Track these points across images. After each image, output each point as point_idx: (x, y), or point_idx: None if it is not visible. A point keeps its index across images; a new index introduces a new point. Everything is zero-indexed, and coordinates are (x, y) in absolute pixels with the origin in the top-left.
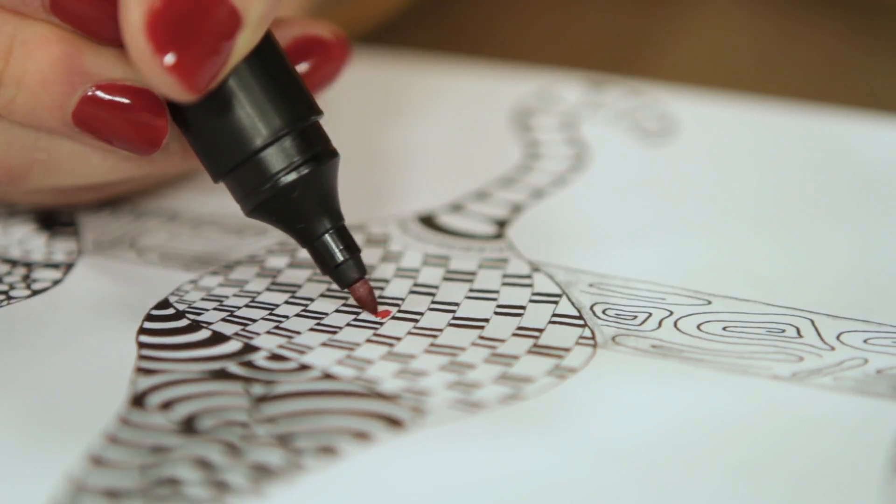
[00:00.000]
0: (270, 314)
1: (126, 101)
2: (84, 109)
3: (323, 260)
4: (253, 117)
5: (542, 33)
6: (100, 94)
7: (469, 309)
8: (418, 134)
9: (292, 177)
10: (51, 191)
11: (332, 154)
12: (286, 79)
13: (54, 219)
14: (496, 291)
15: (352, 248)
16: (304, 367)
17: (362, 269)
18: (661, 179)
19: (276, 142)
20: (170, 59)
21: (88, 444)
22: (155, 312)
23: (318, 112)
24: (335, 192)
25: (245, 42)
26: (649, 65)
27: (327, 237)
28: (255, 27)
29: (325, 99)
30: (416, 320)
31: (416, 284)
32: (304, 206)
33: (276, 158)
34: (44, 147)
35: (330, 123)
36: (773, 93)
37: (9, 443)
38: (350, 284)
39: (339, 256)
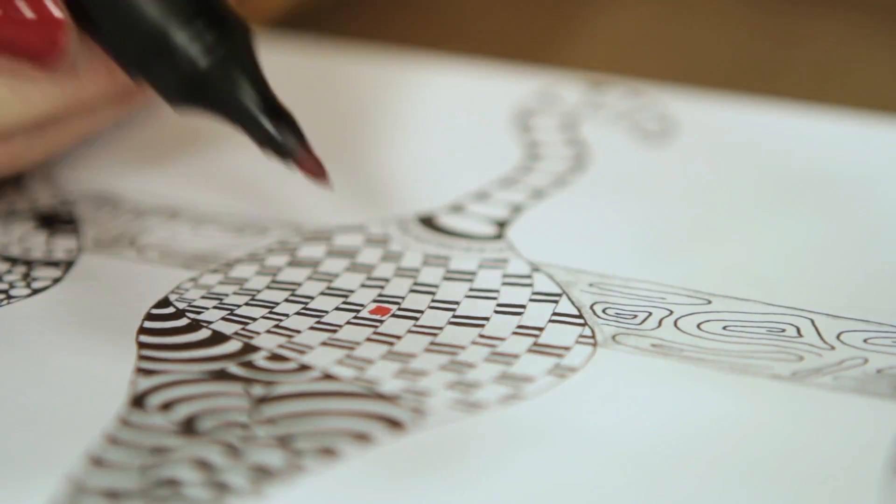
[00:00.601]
0: (270, 312)
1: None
2: None
3: (260, 137)
4: (160, 4)
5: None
6: None
7: (469, 307)
8: (418, 134)
9: (209, 59)
10: None
11: (245, 28)
12: None
13: (54, 216)
14: (496, 291)
15: (284, 118)
16: (304, 368)
17: (302, 137)
18: (662, 180)
19: (187, 26)
20: None
21: (88, 445)
22: (155, 311)
23: None
24: (258, 66)
25: None
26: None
27: (258, 112)
28: None
29: (326, 99)
30: (416, 318)
31: (416, 283)
32: (228, 86)
33: (188, 41)
34: None
35: (329, 123)
36: (773, 93)
37: (8, 443)
38: (292, 155)
39: (273, 129)
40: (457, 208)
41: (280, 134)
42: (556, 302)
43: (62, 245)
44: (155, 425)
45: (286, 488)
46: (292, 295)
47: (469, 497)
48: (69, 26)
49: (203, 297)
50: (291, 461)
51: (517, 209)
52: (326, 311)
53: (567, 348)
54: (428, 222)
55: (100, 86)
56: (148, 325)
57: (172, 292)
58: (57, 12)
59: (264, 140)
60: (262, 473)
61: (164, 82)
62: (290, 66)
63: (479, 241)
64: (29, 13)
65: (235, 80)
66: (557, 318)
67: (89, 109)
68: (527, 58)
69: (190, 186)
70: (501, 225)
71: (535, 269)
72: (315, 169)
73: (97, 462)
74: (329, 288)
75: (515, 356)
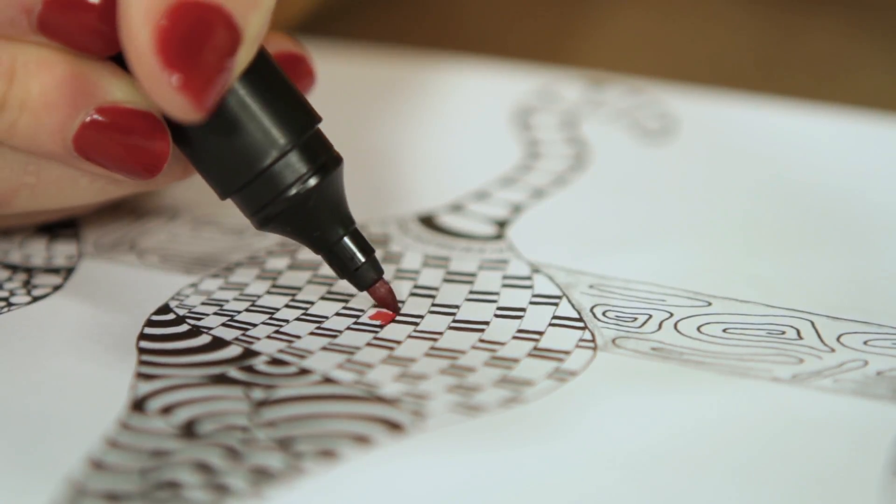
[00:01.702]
0: (270, 318)
1: (128, 125)
2: (85, 135)
3: (342, 264)
4: (259, 134)
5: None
6: (100, 118)
7: (469, 311)
8: (418, 133)
9: (302, 189)
10: (26, 214)
11: (338, 161)
12: (286, 91)
13: (53, 222)
14: (496, 293)
15: (367, 250)
16: (304, 372)
17: (380, 269)
18: (662, 178)
19: (284, 156)
20: (177, 78)
21: (89, 449)
22: (155, 318)
23: (318, 119)
24: (344, 197)
25: (244, 57)
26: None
27: (344, 242)
28: (252, 42)
29: (325, 98)
30: (416, 323)
31: (416, 286)
32: (316, 215)
33: (285, 172)
34: (33, 171)
35: (329, 123)
36: (772, 92)
37: (10, 447)
38: (370, 285)
39: (358, 260)
40: (457, 208)
41: (365, 269)
42: (556, 305)
43: (62, 251)
44: (155, 429)
45: (286, 490)
46: (292, 300)
47: (469, 499)
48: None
49: (203, 304)
50: (291, 463)
51: (517, 209)
52: (327, 317)
53: (567, 352)
54: (428, 222)
55: (172, 179)
56: (148, 331)
57: (173, 299)
58: (166, 146)
59: (346, 269)
60: (262, 475)
61: (253, 206)
62: None
63: (480, 241)
64: (140, 141)
65: (325, 211)
66: (557, 321)
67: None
68: (527, 56)
69: (191, 187)
70: (501, 225)
71: (536, 270)
72: (390, 302)
73: (98, 465)
74: (329, 292)
75: (515, 360)
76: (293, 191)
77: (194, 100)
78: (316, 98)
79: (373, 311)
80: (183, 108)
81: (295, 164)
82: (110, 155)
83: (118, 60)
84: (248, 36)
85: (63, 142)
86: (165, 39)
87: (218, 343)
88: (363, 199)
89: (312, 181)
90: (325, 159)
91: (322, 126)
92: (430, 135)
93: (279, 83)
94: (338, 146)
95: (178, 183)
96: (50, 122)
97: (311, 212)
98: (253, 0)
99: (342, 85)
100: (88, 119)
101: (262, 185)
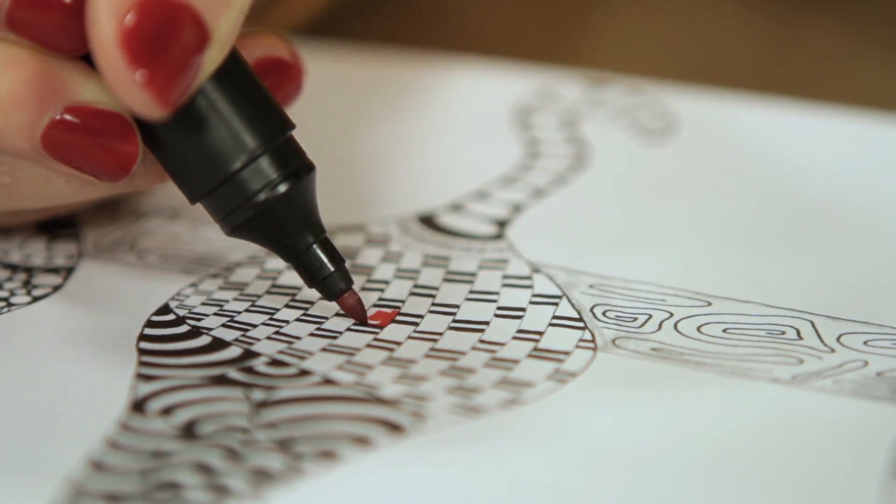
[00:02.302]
0: (271, 319)
1: (96, 125)
2: (53, 134)
3: (309, 273)
4: (228, 137)
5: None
6: (69, 117)
7: (469, 311)
8: (418, 133)
9: (272, 195)
10: (5, 213)
11: (309, 168)
12: (258, 96)
13: (54, 220)
14: (496, 293)
15: (337, 260)
16: (304, 373)
17: (348, 280)
18: (662, 178)
19: (253, 161)
20: (141, 74)
21: (89, 449)
22: (155, 318)
23: (291, 126)
24: (315, 205)
25: (213, 58)
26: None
27: (313, 250)
28: (222, 43)
29: (326, 98)
30: (416, 324)
31: (416, 286)
32: (286, 222)
33: (255, 178)
34: (7, 171)
35: (330, 123)
36: (773, 91)
37: (10, 447)
38: (338, 296)
39: (326, 269)
40: (457, 207)
41: (333, 279)
42: (556, 304)
43: (62, 250)
44: (155, 430)
45: (286, 491)
46: (292, 300)
47: (469, 500)
48: (140, 154)
49: (203, 304)
50: (291, 464)
51: (517, 208)
52: (327, 318)
53: (567, 353)
54: (428, 222)
55: (149, 183)
56: (148, 331)
57: (173, 299)
58: (134, 147)
59: (315, 278)
60: (263, 477)
61: (222, 211)
62: None
63: (480, 240)
64: (109, 142)
65: (295, 218)
66: (557, 321)
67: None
68: (527, 55)
69: None
70: (502, 224)
71: (536, 270)
72: (358, 313)
73: (98, 466)
74: None
75: (515, 361)
76: (262, 196)
77: (158, 97)
78: (317, 98)
79: (373, 311)
80: (147, 105)
81: (265, 169)
82: (79, 154)
83: (89, 60)
84: (218, 36)
85: (31, 140)
86: (131, 35)
87: (218, 344)
88: (363, 199)
89: (282, 187)
90: (296, 166)
91: (324, 126)
92: (430, 135)
93: (251, 87)
94: (338, 146)
95: (159, 186)
96: (18, 119)
97: (281, 219)
98: (224, 0)
99: (344, 85)
100: (57, 118)
101: (230, 189)
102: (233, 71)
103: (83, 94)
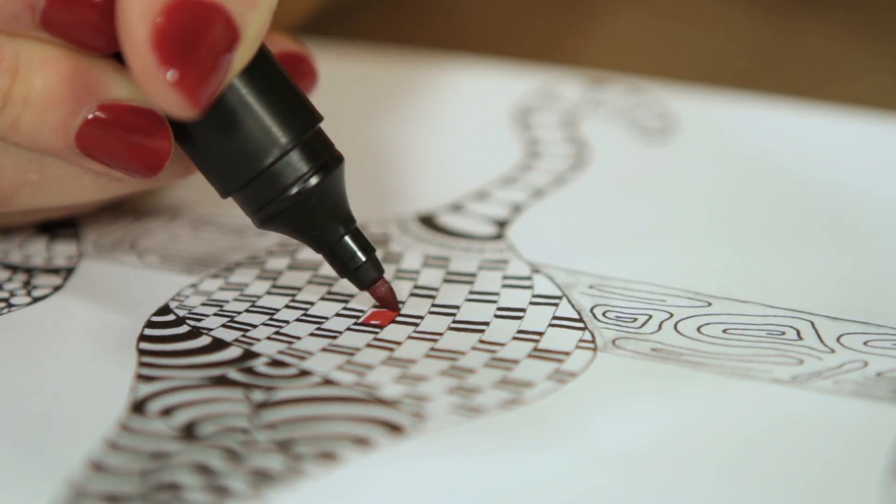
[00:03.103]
0: (271, 319)
1: (130, 122)
2: (87, 131)
3: (342, 263)
4: (261, 132)
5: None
6: (102, 115)
7: (469, 312)
8: (418, 133)
9: (305, 188)
10: (29, 211)
11: (339, 160)
12: (287, 91)
13: (54, 220)
14: (496, 293)
15: (368, 249)
16: (304, 373)
17: (380, 269)
18: (662, 178)
19: (285, 155)
20: (172, 74)
21: (89, 450)
22: (155, 319)
23: (320, 118)
24: (345, 196)
25: (243, 56)
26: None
27: (345, 241)
28: (251, 41)
29: (327, 98)
30: (416, 324)
31: (416, 287)
32: (317, 214)
33: (287, 171)
34: (36, 168)
35: (330, 123)
36: (773, 91)
37: (10, 448)
38: (371, 284)
39: (359, 259)
40: (457, 207)
41: (366, 268)
42: (556, 305)
43: (62, 251)
44: (155, 431)
45: (286, 492)
46: (293, 300)
47: (469, 501)
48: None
49: (203, 304)
50: (291, 465)
51: (517, 208)
52: (327, 318)
53: (567, 353)
54: (428, 222)
55: (174, 178)
56: (148, 332)
57: (173, 299)
58: (167, 144)
59: (347, 267)
60: (262, 477)
61: (254, 205)
62: None
63: (480, 241)
64: (142, 139)
65: (327, 210)
66: (557, 321)
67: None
68: (527, 56)
69: (191, 187)
70: (501, 225)
71: (536, 270)
72: (390, 301)
73: (98, 467)
74: (329, 293)
75: (515, 361)
76: (294, 190)
77: (189, 96)
78: (318, 98)
79: (370, 313)
80: (177, 105)
81: (296, 163)
82: (112, 152)
83: (121, 58)
84: (248, 35)
85: (65, 139)
86: (162, 36)
87: (218, 344)
88: (364, 199)
89: (314, 180)
90: (326, 158)
91: (324, 126)
92: (430, 135)
93: (281, 82)
94: (339, 146)
95: (181, 181)
96: (53, 118)
97: (312, 211)
98: (252, 0)
99: (343, 85)
100: (91, 116)
101: (263, 183)
102: (262, 67)
103: (116, 91)
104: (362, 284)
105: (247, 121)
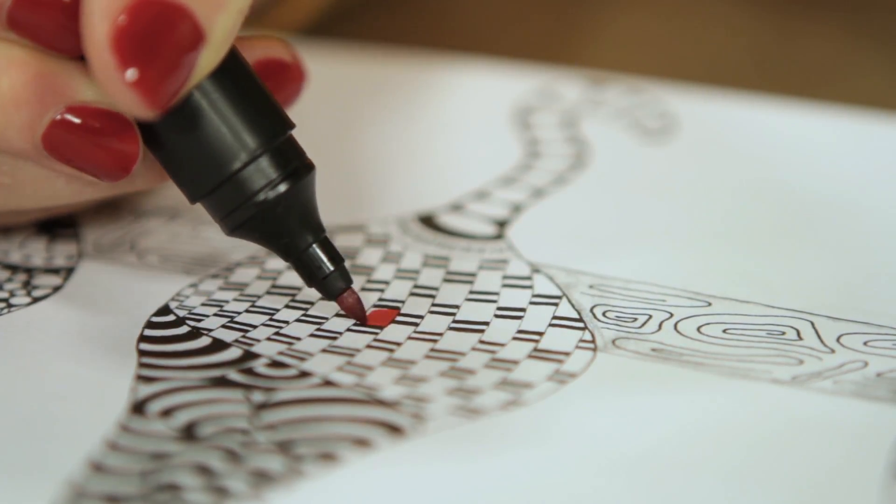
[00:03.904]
0: (271, 319)
1: (97, 125)
2: (54, 133)
3: (309, 272)
4: (229, 137)
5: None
6: (70, 117)
7: (469, 312)
8: (418, 133)
9: (272, 195)
10: (6, 212)
11: (309, 168)
12: (258, 96)
13: (54, 221)
14: (496, 293)
15: (336, 259)
16: (304, 374)
17: (348, 279)
18: (662, 178)
19: (253, 161)
20: (131, 74)
21: (89, 451)
22: (155, 319)
23: (291, 126)
24: (314, 205)
25: (209, 58)
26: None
27: (312, 250)
28: (218, 44)
29: (326, 98)
30: (416, 324)
31: (416, 286)
32: (286, 221)
33: (255, 178)
34: (7, 171)
35: (330, 123)
36: (773, 91)
37: (10, 448)
38: (337, 295)
39: (326, 268)
40: (457, 207)
41: (333, 279)
42: (556, 305)
43: (62, 251)
44: (155, 431)
45: (286, 493)
46: (292, 300)
47: (469, 502)
48: (140, 154)
49: (203, 304)
50: (291, 466)
51: (517, 208)
52: (327, 318)
53: (567, 353)
54: (428, 222)
55: (150, 183)
56: (148, 332)
57: (173, 299)
58: (135, 147)
59: (315, 277)
60: (262, 478)
61: (222, 211)
62: None
63: (480, 241)
64: (110, 141)
65: (295, 218)
66: (557, 321)
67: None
68: (527, 55)
69: None
70: (501, 224)
71: (536, 270)
72: (357, 312)
73: (98, 468)
74: None
75: (515, 362)
76: (262, 196)
77: (148, 96)
78: (317, 98)
79: (370, 310)
80: (136, 105)
81: (265, 168)
82: (80, 154)
83: None
84: (214, 37)
85: (32, 140)
86: (122, 35)
87: (218, 345)
88: (364, 199)
89: (282, 187)
90: (296, 165)
91: (323, 126)
92: (430, 135)
93: (252, 87)
94: (339, 146)
95: (160, 186)
96: (19, 119)
97: (280, 219)
98: (219, 1)
99: (344, 85)
100: (58, 118)
101: (230, 189)
102: (232, 71)
103: (84, 93)
104: (329, 295)
105: (214, 125)
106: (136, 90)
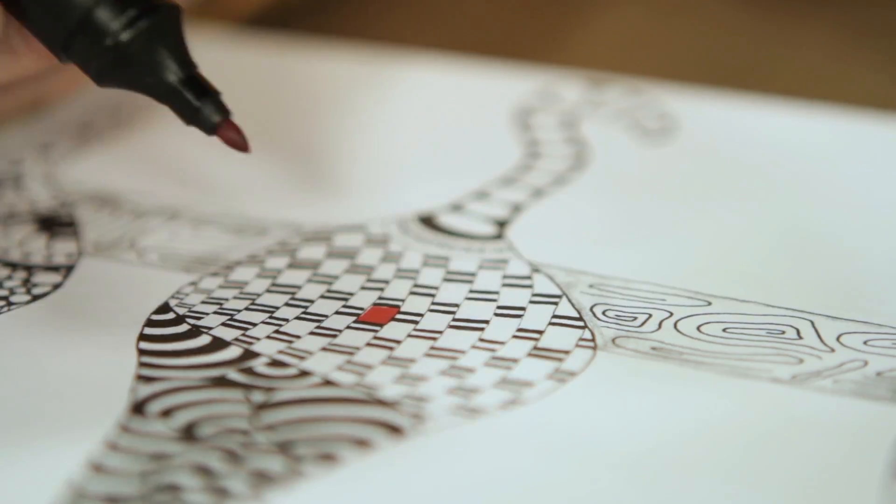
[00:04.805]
0: (270, 317)
1: None
2: None
3: (183, 110)
4: None
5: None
6: None
7: (469, 310)
8: (418, 133)
9: (126, 36)
10: None
11: (171, 8)
12: None
13: (54, 219)
14: (496, 292)
15: (207, 93)
16: (304, 374)
17: (224, 110)
18: (662, 178)
19: (101, 3)
20: None
21: (89, 452)
22: (155, 317)
23: None
24: (182, 42)
25: None
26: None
27: (179, 86)
28: None
29: (326, 98)
30: (416, 322)
31: (416, 285)
32: (147, 61)
33: (108, 22)
34: None
35: (329, 123)
36: (772, 91)
37: (10, 449)
38: (215, 129)
39: (195, 102)
40: (457, 207)
41: (202, 108)
42: (556, 304)
43: (62, 249)
44: (155, 432)
45: (286, 493)
46: (292, 298)
47: (469, 501)
48: (4, 19)
49: (203, 302)
50: (291, 467)
51: (517, 208)
52: (326, 316)
53: (567, 352)
54: (428, 222)
55: (40, 62)
56: (148, 331)
57: (172, 297)
58: None
59: (187, 114)
60: (262, 479)
61: (87, 58)
62: (287, 68)
63: (479, 240)
64: None
65: (157, 55)
66: (557, 320)
67: (34, 81)
68: (527, 56)
69: (191, 188)
70: (501, 224)
71: (536, 269)
72: (237, 143)
73: (98, 468)
74: (329, 291)
75: (515, 360)
76: (114, 39)
77: None
78: (317, 98)
79: (367, 311)
80: None
81: (115, 11)
82: None
83: None
84: None
85: None
86: None
87: (218, 344)
88: (364, 199)
89: (141, 24)
90: (148, 5)
91: (323, 126)
92: (430, 135)
93: None
94: (339, 146)
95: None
96: None
97: (141, 59)
98: None
99: (344, 85)
100: None
101: (89, 35)
102: None
103: None
104: (206, 129)
105: None
106: None
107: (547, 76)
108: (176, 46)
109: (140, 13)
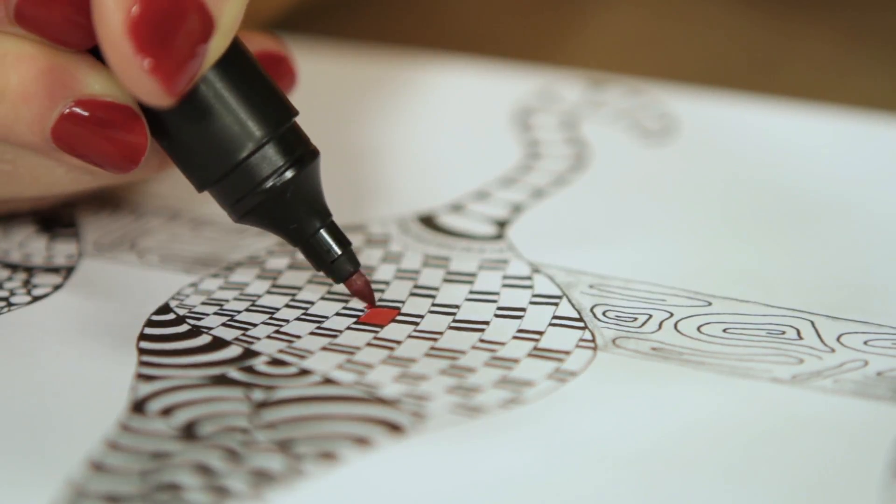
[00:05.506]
0: (271, 318)
1: (106, 117)
2: (63, 126)
3: (318, 257)
4: (235, 126)
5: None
6: (79, 110)
7: (469, 311)
8: (418, 133)
9: (280, 182)
10: (2, 200)
11: (314, 154)
12: (262, 84)
13: (55, 220)
14: (496, 293)
15: (344, 243)
16: (304, 372)
17: (356, 262)
18: (662, 179)
19: (260, 149)
20: (149, 62)
21: (89, 450)
22: (155, 318)
23: (295, 112)
24: (320, 190)
25: (217, 45)
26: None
27: (320, 234)
28: (226, 31)
29: (326, 98)
30: (416, 323)
31: (416, 286)
32: (293, 207)
33: (262, 165)
34: (9, 159)
35: (329, 122)
36: (773, 92)
37: (10, 448)
38: (346, 278)
39: (334, 252)
40: (457, 208)
41: (341, 262)
42: (556, 304)
43: (62, 250)
44: (155, 430)
45: (286, 492)
46: (293, 300)
47: (469, 501)
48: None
49: (203, 303)
50: (291, 465)
51: (517, 209)
52: (327, 317)
53: (567, 352)
54: (428, 222)
55: (149, 172)
56: (148, 331)
57: (173, 298)
58: (143, 139)
59: (320, 262)
60: (263, 477)
61: (230, 199)
62: None
63: (480, 241)
64: (119, 134)
65: (303, 203)
66: (558, 321)
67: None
68: (527, 56)
69: (191, 188)
70: (502, 225)
71: (536, 270)
72: (366, 294)
73: (98, 467)
74: (329, 292)
75: (516, 360)
76: (270, 183)
77: (165, 84)
78: (317, 97)
79: (367, 312)
80: (154, 93)
81: (271, 156)
82: (89, 147)
83: (96, 54)
84: (222, 25)
85: (42, 133)
86: (137, 24)
87: (218, 343)
88: (364, 199)
89: (289, 174)
90: (301, 152)
91: (323, 125)
92: (430, 135)
93: (255, 76)
94: (339, 146)
95: (157, 176)
96: (28, 113)
97: (288, 204)
98: None
99: (343, 84)
100: (67, 111)
101: (238, 177)
102: (236, 59)
103: (92, 87)
104: (338, 278)
105: (221, 113)
106: (154, 77)
107: (547, 76)
108: (317, 194)
109: (290, 162)
